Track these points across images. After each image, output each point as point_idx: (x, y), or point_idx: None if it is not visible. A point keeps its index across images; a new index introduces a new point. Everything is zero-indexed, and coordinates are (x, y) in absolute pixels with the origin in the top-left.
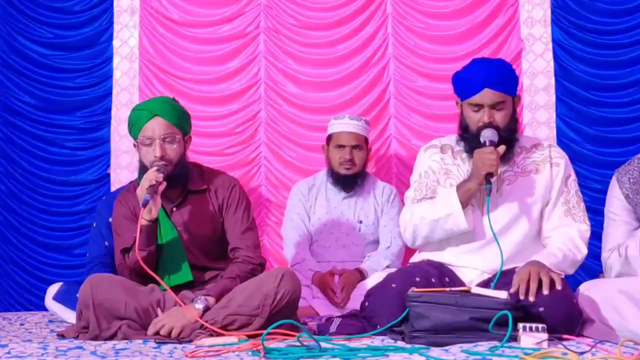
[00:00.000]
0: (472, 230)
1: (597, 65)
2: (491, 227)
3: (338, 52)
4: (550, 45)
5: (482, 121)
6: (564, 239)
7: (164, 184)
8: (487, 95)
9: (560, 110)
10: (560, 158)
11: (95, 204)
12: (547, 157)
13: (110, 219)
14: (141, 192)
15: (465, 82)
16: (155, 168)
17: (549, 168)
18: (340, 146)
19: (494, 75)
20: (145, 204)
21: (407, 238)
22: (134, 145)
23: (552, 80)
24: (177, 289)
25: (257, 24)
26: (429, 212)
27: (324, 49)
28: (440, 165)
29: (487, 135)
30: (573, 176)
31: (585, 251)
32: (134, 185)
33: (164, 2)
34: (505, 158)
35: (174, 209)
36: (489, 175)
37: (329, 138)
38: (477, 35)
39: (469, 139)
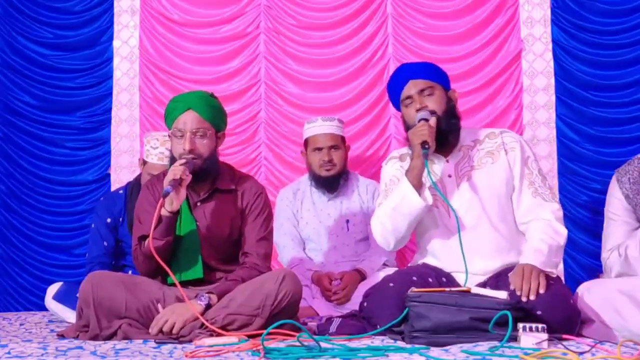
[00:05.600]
0: (430, 204)
1: (597, 65)
2: (457, 218)
3: (338, 52)
4: (550, 45)
5: (416, 109)
6: (542, 226)
7: (189, 178)
8: (412, 85)
9: (560, 110)
10: (515, 142)
11: (95, 205)
12: (500, 144)
13: (109, 220)
14: (166, 182)
15: (394, 85)
16: (183, 161)
17: (504, 155)
18: (318, 149)
19: (415, 68)
20: (165, 195)
21: (381, 241)
22: (168, 136)
23: (552, 80)
24: (183, 285)
25: (257, 24)
26: (387, 204)
27: (324, 49)
28: (401, 172)
29: (420, 115)
30: (532, 157)
31: (564, 231)
32: (164, 173)
33: (164, 3)
34: (452, 146)
35: (199, 203)
36: (424, 144)
37: (306, 142)
38: (477, 35)
39: None
